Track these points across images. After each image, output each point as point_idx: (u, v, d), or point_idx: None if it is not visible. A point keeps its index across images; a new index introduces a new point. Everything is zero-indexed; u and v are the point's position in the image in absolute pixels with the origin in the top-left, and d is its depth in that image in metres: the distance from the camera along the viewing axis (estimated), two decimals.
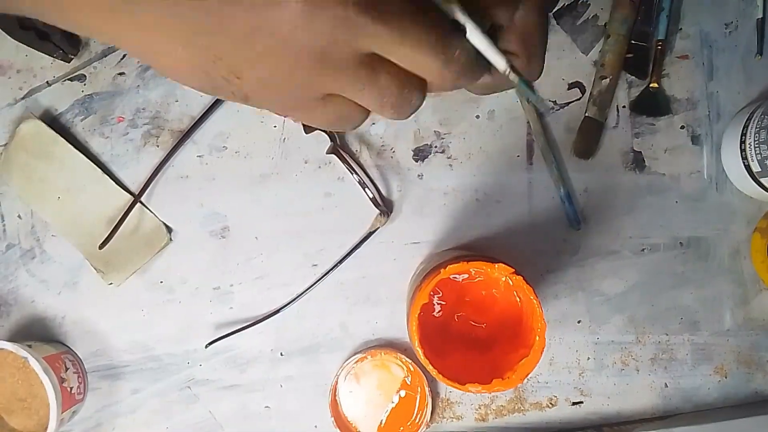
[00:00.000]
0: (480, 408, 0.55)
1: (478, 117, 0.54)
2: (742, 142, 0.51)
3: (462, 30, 0.26)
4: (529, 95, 0.29)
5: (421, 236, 0.54)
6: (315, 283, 0.53)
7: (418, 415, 0.53)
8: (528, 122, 0.54)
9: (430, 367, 0.45)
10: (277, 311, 0.53)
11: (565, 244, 0.54)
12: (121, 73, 0.53)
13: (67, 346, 0.54)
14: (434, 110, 0.54)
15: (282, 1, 0.22)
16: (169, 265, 0.54)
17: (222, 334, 0.53)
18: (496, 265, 0.45)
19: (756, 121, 0.50)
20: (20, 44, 0.52)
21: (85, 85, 0.53)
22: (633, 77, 0.54)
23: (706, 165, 0.54)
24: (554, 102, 0.54)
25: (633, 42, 0.53)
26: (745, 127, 0.51)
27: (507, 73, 0.27)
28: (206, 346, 0.53)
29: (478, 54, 0.26)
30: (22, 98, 0.53)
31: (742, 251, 0.54)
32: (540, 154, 0.54)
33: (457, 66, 0.26)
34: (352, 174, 0.51)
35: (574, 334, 0.54)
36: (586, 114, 0.53)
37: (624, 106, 0.54)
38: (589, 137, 0.54)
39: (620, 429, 0.54)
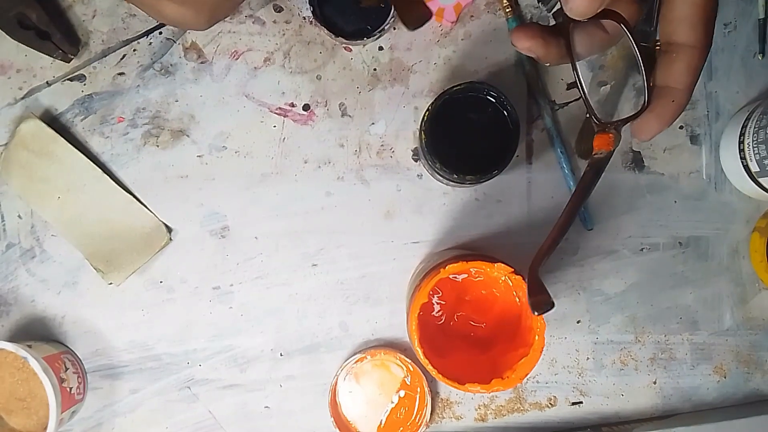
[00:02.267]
0: (479, 408, 0.55)
1: None
2: (741, 142, 0.51)
3: None
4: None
5: (420, 236, 0.54)
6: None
7: (418, 415, 0.53)
8: (529, 122, 0.54)
9: (429, 367, 0.45)
10: None
11: (565, 243, 0.54)
12: (121, 73, 0.53)
13: (67, 346, 0.54)
14: None
15: None
16: (169, 265, 0.54)
17: None
18: (496, 265, 0.45)
19: (754, 121, 0.50)
20: (20, 44, 0.51)
21: (84, 85, 0.53)
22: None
23: (705, 165, 0.54)
24: (553, 102, 0.54)
25: None
26: (744, 127, 0.51)
27: None
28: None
29: None
30: (22, 98, 0.53)
31: (741, 251, 0.55)
32: (540, 153, 0.54)
33: None
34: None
35: (574, 333, 0.55)
36: (588, 115, 0.53)
37: None
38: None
39: (619, 429, 0.54)
